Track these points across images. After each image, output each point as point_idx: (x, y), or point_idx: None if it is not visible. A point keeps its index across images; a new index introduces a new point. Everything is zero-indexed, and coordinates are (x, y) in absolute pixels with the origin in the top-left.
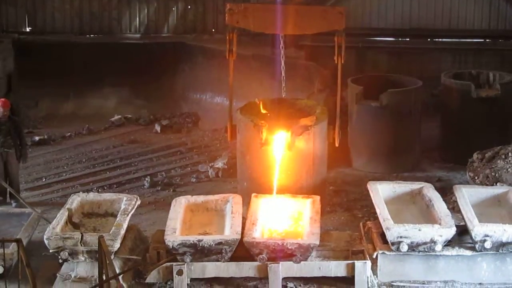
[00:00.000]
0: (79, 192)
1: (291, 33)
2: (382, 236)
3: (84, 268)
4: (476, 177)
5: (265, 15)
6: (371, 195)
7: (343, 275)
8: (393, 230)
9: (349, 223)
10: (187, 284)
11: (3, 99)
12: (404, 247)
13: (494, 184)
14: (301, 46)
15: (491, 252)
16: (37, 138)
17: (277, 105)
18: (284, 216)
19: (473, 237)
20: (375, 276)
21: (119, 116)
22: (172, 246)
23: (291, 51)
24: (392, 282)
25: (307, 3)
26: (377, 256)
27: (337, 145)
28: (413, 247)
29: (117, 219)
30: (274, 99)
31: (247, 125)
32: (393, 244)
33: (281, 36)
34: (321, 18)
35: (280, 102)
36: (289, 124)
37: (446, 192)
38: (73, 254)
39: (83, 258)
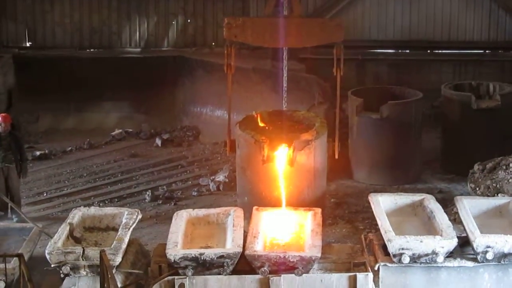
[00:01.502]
0: (80, 206)
1: (290, 46)
2: (384, 248)
3: (85, 282)
4: (477, 188)
5: (263, 28)
6: (372, 207)
7: (345, 287)
8: (394, 242)
9: (351, 235)
10: None
11: (3, 114)
12: (406, 259)
13: (496, 195)
14: (302, 59)
15: (493, 263)
16: (38, 153)
17: (275, 118)
18: (285, 229)
19: (475, 248)
20: None
21: (120, 130)
22: (174, 260)
23: (291, 63)
24: None
25: (305, 16)
26: (379, 268)
27: (336, 157)
28: (415, 259)
29: (119, 233)
30: (272, 111)
31: (247, 141)
32: (394, 256)
33: (284, 49)
34: (320, 30)
35: (278, 115)
36: (290, 139)
37: (447, 204)
38: (75, 268)
39: (84, 273)
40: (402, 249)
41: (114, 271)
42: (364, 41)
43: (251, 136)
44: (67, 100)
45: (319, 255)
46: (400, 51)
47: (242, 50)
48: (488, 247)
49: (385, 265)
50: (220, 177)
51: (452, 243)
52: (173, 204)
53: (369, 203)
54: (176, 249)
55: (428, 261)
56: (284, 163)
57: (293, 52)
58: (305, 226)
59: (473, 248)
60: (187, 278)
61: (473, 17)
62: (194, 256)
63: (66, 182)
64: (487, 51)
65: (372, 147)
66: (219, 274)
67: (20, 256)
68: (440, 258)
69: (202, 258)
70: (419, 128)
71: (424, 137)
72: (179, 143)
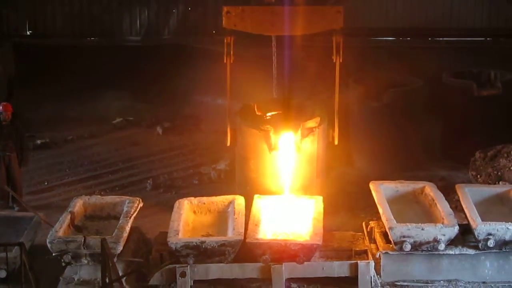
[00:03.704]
0: (81, 195)
1: (290, 33)
2: (385, 235)
3: (87, 271)
4: (478, 176)
5: (262, 17)
6: (374, 195)
7: (347, 275)
8: (396, 229)
9: (352, 223)
10: (191, 286)
11: (4, 103)
12: (407, 247)
13: (497, 182)
14: (304, 47)
15: (494, 250)
16: (39, 141)
17: (273, 107)
18: (287, 216)
19: (476, 236)
20: (378, 276)
21: (121, 119)
22: (175, 248)
23: (294, 52)
24: (396, 281)
25: (305, 4)
26: (380, 255)
27: (336, 143)
28: (416, 247)
29: (120, 221)
30: (269, 100)
31: (250, 130)
32: (396, 243)
33: (273, 37)
34: (319, 17)
35: (276, 103)
36: (296, 126)
37: (449, 191)
38: (76, 257)
39: (86, 261)
40: (404, 237)
41: (115, 259)
42: (365, 28)
43: (256, 126)
44: (68, 88)
45: (320, 243)
46: (401, 38)
47: (243, 38)
48: (490, 234)
49: (387, 253)
50: (221, 165)
51: (453, 230)
52: (174, 192)
53: (370, 191)
54: (177, 237)
55: (429, 249)
56: (290, 150)
57: (295, 40)
58: (306, 214)
59: (474, 236)
60: (189, 266)
61: (474, 5)
62: (195, 244)
63: (67, 170)
64: (488, 38)
65: (373, 135)
66: (221, 262)
67: (21, 245)
68: (441, 246)
69: (203, 247)
70: (420, 116)
71: (425, 125)
72: (180, 132)
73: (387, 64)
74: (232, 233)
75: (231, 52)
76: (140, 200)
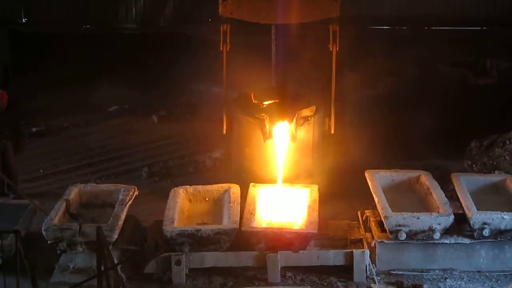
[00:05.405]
0: (76, 183)
1: (286, 22)
2: (381, 224)
3: (82, 259)
4: (474, 165)
5: (259, 5)
6: (369, 183)
7: (342, 264)
8: (391, 218)
9: (347, 212)
10: (186, 274)
11: (0, 91)
12: (403, 236)
13: (492, 172)
14: (301, 35)
15: (490, 239)
16: (34, 129)
17: (270, 95)
18: (282, 205)
19: (472, 225)
20: (373, 265)
21: (117, 107)
22: (170, 236)
23: (290, 40)
24: (391, 270)
25: None
26: (375, 244)
27: (332, 132)
28: (411, 236)
29: (115, 209)
30: (266, 88)
31: (246, 118)
32: (391, 232)
33: (272, 26)
34: (315, 6)
35: (272, 91)
36: (291, 115)
37: (444, 180)
38: (71, 245)
39: (81, 249)
40: (399, 225)
41: (110, 247)
42: (361, 17)
43: (251, 114)
44: (63, 76)
45: (315, 231)
46: (396, 27)
47: (240, 26)
48: (485, 224)
49: (382, 241)
50: (217, 153)
51: (448, 220)
52: (169, 180)
53: (365, 179)
54: (172, 225)
55: (424, 238)
56: (285, 139)
57: (292, 29)
58: (302, 202)
59: (469, 225)
60: (184, 254)
61: None
62: (190, 232)
63: (63, 158)
64: (484, 28)
65: (368, 123)
66: (216, 250)
67: (16, 232)
68: (436, 235)
69: (198, 235)
70: (416, 105)
71: (421, 114)
72: (176, 120)
73: (383, 53)
74: (228, 222)
75: (227, 40)
76: (136, 188)
